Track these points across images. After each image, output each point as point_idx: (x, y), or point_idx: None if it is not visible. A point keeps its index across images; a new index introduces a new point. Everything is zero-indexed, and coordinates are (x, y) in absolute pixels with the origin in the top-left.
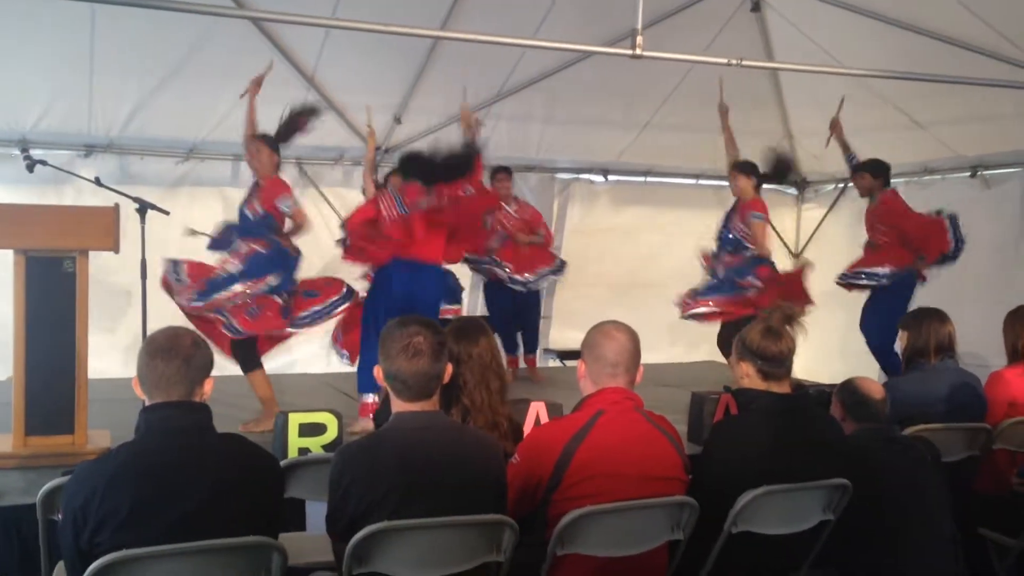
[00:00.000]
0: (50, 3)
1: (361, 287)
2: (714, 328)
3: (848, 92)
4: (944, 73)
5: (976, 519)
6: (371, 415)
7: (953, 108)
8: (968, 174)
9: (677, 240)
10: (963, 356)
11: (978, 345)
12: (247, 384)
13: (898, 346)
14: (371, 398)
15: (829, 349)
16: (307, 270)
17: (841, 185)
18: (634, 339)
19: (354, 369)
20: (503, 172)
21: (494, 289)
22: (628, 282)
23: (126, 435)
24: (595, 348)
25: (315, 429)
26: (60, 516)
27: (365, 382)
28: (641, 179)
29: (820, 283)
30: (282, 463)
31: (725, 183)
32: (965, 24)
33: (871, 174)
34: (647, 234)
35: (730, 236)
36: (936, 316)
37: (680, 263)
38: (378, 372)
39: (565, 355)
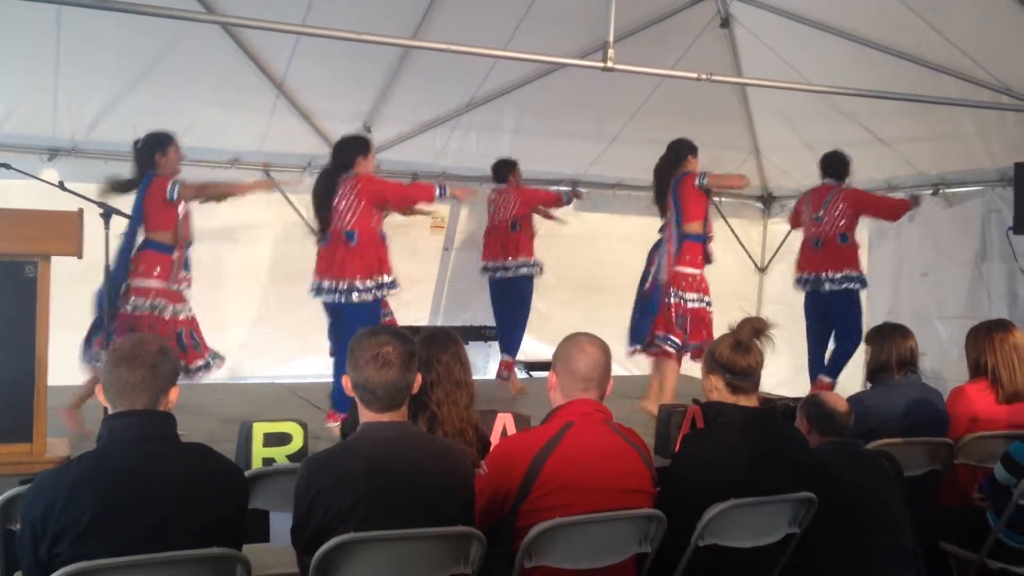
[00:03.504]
0: (14, 4)
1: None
2: None
3: (813, 108)
4: (907, 91)
5: (937, 533)
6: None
7: (916, 126)
8: (931, 191)
9: (637, 247)
10: (927, 371)
11: (941, 361)
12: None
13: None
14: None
15: (799, 364)
16: (280, 279)
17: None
18: (606, 353)
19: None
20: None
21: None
22: (588, 288)
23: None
24: (569, 362)
25: (280, 439)
26: (19, 526)
27: (340, 401)
28: (610, 192)
29: (793, 297)
30: (246, 474)
31: None
32: (929, 43)
33: None
34: (607, 240)
35: None
36: (899, 331)
37: (641, 268)
38: (346, 382)
39: (532, 366)
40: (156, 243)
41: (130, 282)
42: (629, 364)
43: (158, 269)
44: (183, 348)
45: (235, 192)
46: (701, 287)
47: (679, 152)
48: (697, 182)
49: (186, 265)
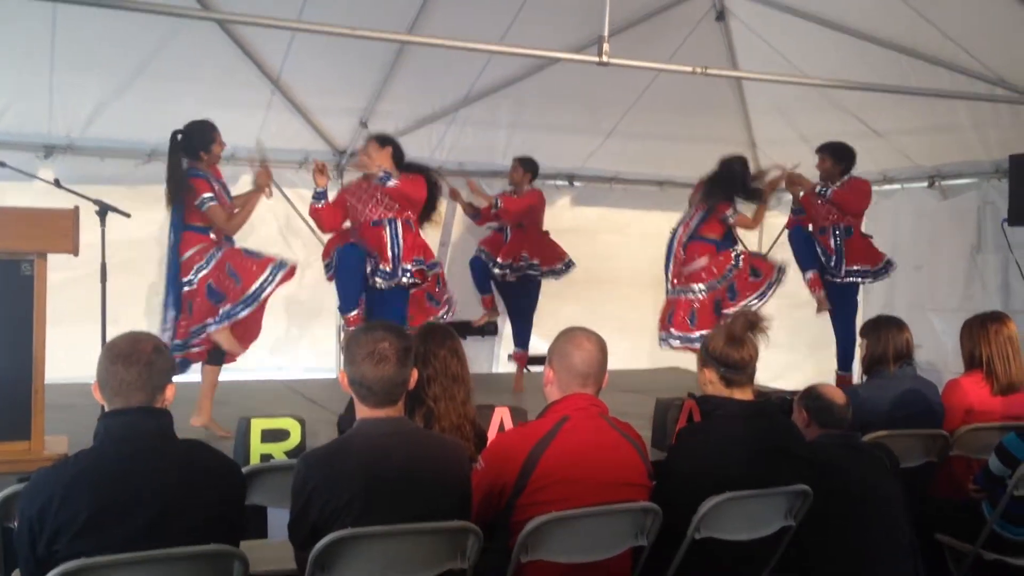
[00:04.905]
0: (9, 1)
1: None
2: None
3: (809, 101)
4: (902, 83)
5: (933, 525)
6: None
7: (911, 118)
8: (926, 184)
9: (635, 240)
10: (922, 363)
11: (936, 353)
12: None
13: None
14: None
15: (794, 357)
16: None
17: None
18: (602, 348)
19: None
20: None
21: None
22: (586, 281)
23: (84, 441)
24: (565, 358)
25: (278, 435)
26: (16, 523)
27: None
28: (607, 186)
29: (789, 289)
30: (244, 470)
31: (688, 187)
32: (924, 35)
33: (833, 158)
34: (605, 234)
35: None
36: (894, 324)
37: (638, 262)
38: (343, 378)
39: (531, 360)
40: (193, 226)
41: (182, 259)
42: (627, 358)
43: (197, 248)
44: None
45: (254, 204)
46: (712, 272)
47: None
48: (722, 218)
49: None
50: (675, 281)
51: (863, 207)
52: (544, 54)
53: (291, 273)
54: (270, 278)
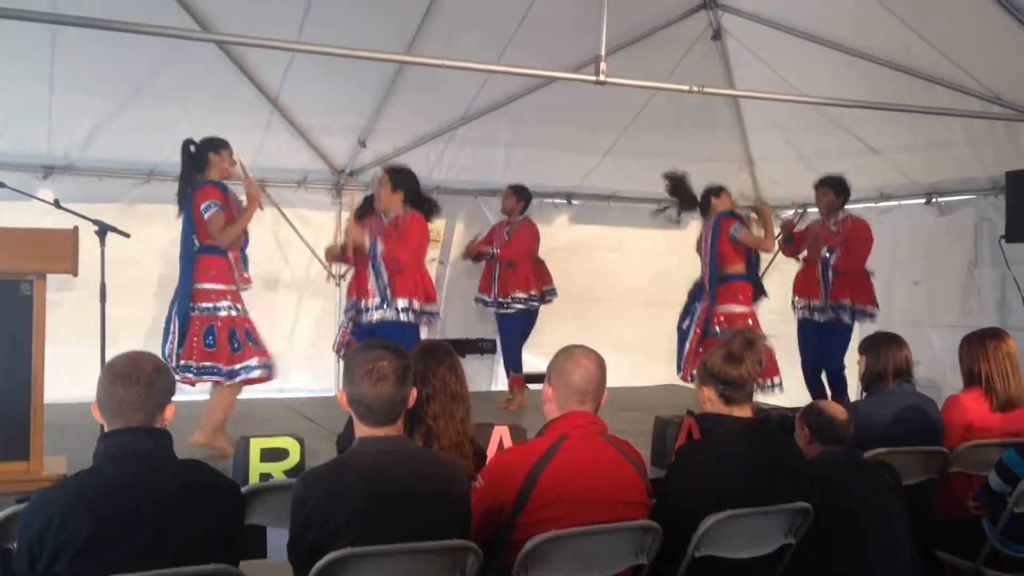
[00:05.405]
0: (9, 23)
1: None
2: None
3: (806, 118)
4: (899, 101)
5: (933, 542)
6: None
7: (908, 135)
8: (923, 200)
9: (632, 258)
10: (921, 380)
11: (935, 369)
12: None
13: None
14: None
15: (794, 375)
16: (270, 292)
17: (800, 210)
18: (601, 365)
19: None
20: (510, 189)
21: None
22: (584, 300)
23: (83, 461)
24: (564, 375)
25: (277, 454)
26: (15, 544)
27: None
28: (605, 204)
29: (784, 309)
30: (243, 489)
31: None
32: (920, 53)
33: (834, 191)
34: (602, 252)
35: None
36: (894, 341)
37: (636, 280)
38: (342, 396)
39: (529, 379)
40: (208, 247)
41: (194, 286)
42: (625, 375)
43: (213, 272)
44: (235, 347)
45: (251, 213)
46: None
47: (707, 200)
48: (731, 232)
49: (244, 264)
50: (705, 320)
51: (864, 261)
52: (542, 73)
53: (267, 378)
54: (247, 368)
